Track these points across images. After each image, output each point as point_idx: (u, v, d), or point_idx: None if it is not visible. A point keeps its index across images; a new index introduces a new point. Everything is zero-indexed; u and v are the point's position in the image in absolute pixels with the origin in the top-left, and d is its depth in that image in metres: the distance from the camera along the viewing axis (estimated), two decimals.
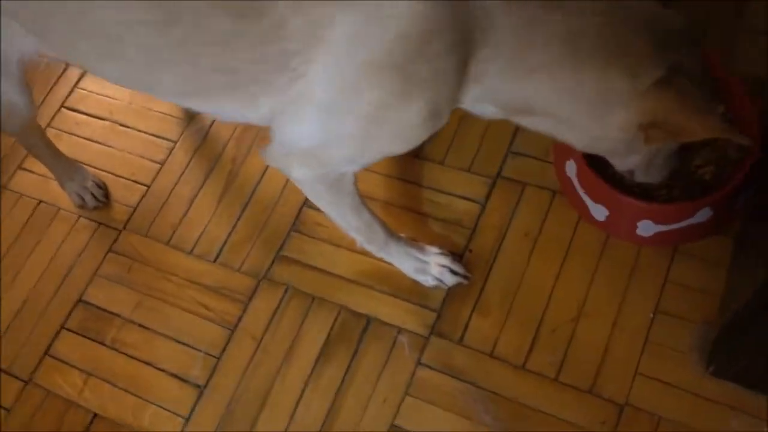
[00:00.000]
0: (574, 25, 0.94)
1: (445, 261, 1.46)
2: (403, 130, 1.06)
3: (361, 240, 1.40)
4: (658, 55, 0.95)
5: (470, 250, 1.51)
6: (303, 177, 1.20)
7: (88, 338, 1.57)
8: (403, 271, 1.47)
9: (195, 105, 1.26)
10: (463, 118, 1.65)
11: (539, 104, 1.05)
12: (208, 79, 1.07)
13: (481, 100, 1.08)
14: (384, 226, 1.40)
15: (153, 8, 0.99)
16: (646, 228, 1.41)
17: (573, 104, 1.03)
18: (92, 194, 1.70)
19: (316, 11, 0.94)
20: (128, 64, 1.10)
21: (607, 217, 1.44)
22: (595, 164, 1.42)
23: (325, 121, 1.06)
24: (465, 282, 1.47)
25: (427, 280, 1.47)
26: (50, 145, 1.66)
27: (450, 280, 1.46)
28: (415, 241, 1.49)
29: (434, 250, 1.47)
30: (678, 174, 1.40)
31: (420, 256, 1.46)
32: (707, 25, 1.64)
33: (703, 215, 1.37)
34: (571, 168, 1.47)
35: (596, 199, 1.44)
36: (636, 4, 0.96)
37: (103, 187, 1.72)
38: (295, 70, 1.00)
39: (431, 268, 1.45)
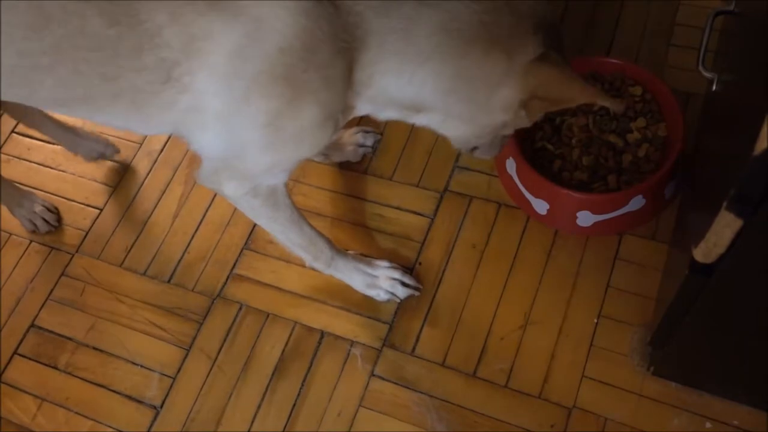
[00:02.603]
0: (455, 16, 0.99)
1: (395, 274, 1.49)
2: (303, 135, 1.09)
3: (307, 258, 1.42)
4: (536, 37, 1.04)
5: (420, 263, 1.55)
6: (234, 193, 1.21)
7: (42, 363, 1.56)
8: (354, 287, 1.50)
9: (85, 114, 1.23)
10: (411, 135, 1.70)
11: (428, 99, 1.09)
12: (92, 86, 1.03)
13: (376, 102, 1.12)
14: (329, 242, 1.43)
15: (28, 10, 0.95)
16: (585, 219, 1.47)
17: (459, 94, 1.08)
18: (43, 219, 1.70)
19: (194, 24, 0.95)
20: (10, 73, 1.03)
21: (548, 210, 1.50)
22: (533, 160, 1.51)
23: (227, 132, 1.07)
24: (416, 294, 1.50)
25: (379, 294, 1.49)
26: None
27: (402, 292, 1.49)
28: (363, 256, 1.52)
29: (383, 263, 1.50)
30: (618, 165, 1.51)
31: (369, 270, 1.48)
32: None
33: (637, 203, 1.44)
34: (511, 166, 1.53)
35: (536, 194, 1.50)
36: None
37: (54, 210, 1.73)
38: (178, 81, 1.00)
39: (381, 281, 1.48)
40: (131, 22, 0.95)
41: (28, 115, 1.70)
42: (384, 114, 1.17)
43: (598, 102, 1.06)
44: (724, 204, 0.77)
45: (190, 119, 1.07)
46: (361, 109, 1.14)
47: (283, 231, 1.35)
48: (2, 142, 1.86)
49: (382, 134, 1.70)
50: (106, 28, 0.95)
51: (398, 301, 1.50)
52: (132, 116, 1.10)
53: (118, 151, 1.78)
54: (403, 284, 1.49)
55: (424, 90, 1.08)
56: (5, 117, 1.89)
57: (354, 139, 1.68)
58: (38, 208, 1.71)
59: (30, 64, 1.01)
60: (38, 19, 0.96)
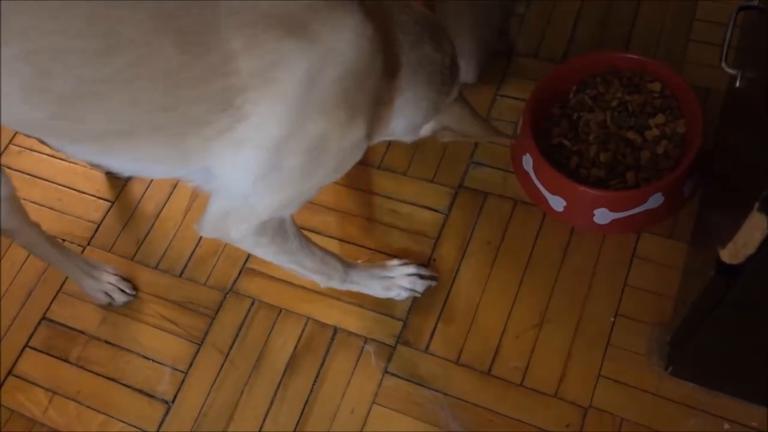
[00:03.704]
0: (418, 58, 1.10)
1: (410, 270, 1.48)
2: (341, 157, 1.08)
3: (321, 280, 1.40)
4: (456, 82, 1.20)
5: (434, 260, 1.53)
6: (242, 234, 1.15)
7: (53, 356, 1.55)
8: (374, 295, 1.48)
9: (112, 151, 1.06)
10: None
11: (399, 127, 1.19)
12: (143, 118, 0.95)
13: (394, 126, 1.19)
14: (338, 258, 1.40)
15: (93, 35, 0.86)
16: (602, 216, 1.45)
17: (417, 116, 1.19)
18: (120, 289, 1.57)
19: (270, 51, 0.92)
20: (52, 101, 0.91)
21: (565, 207, 1.48)
22: (549, 157, 1.49)
23: (266, 164, 1.03)
24: (434, 283, 1.49)
25: (399, 294, 1.48)
26: (55, 243, 1.52)
27: (421, 286, 1.48)
28: (372, 253, 1.50)
29: (395, 262, 1.49)
30: (636, 162, 1.50)
31: (384, 273, 1.47)
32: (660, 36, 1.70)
33: (655, 201, 1.42)
34: (527, 162, 1.51)
35: (553, 191, 1.48)
36: (449, 47, 1.16)
37: (128, 279, 1.60)
38: (239, 110, 0.95)
39: (399, 281, 1.47)
40: (201, 51, 0.89)
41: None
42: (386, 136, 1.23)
43: (495, 139, 1.33)
44: (756, 205, 0.76)
45: (234, 151, 1.01)
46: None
47: (294, 260, 1.31)
48: (9, 141, 1.85)
49: None
50: (176, 56, 0.89)
51: (418, 295, 1.48)
52: (164, 151, 1.02)
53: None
54: (421, 277, 1.48)
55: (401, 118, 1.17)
56: None
57: None
58: (112, 279, 1.57)
59: (86, 92, 0.91)
60: (105, 44, 0.87)
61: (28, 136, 1.65)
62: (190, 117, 0.95)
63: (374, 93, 1.04)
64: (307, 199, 1.17)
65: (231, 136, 0.98)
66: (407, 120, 1.18)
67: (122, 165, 1.11)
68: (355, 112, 1.02)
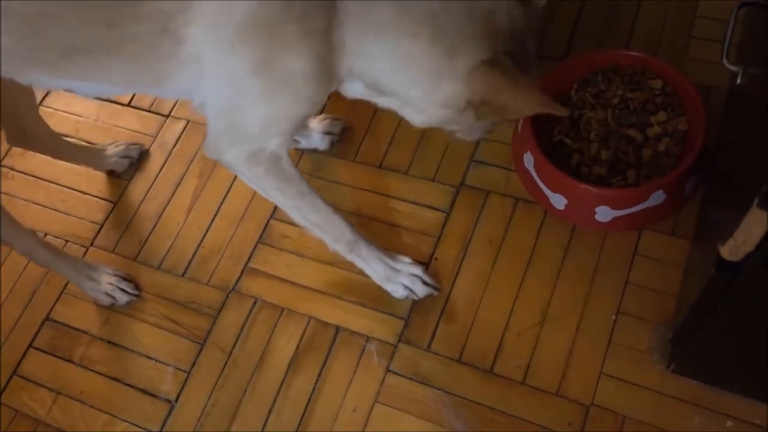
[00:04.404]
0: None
1: (417, 270, 1.47)
2: (291, 86, 1.10)
3: (328, 240, 1.39)
4: (486, 40, 1.04)
5: (436, 258, 1.53)
6: (235, 159, 1.21)
7: (57, 356, 1.56)
8: (373, 278, 1.47)
9: (86, 72, 1.17)
10: (426, 129, 1.68)
11: (384, 78, 1.13)
12: (91, 34, 1.07)
13: (349, 75, 1.14)
14: (350, 225, 1.39)
15: None
16: (603, 214, 1.45)
17: (408, 78, 1.10)
18: (120, 289, 1.58)
19: None
20: (19, 22, 1.06)
21: (566, 205, 1.48)
22: (551, 155, 1.49)
23: (223, 84, 1.11)
24: (435, 293, 1.49)
25: (397, 290, 1.48)
26: (52, 248, 1.56)
27: (421, 290, 1.48)
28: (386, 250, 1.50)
29: (406, 259, 1.49)
30: (638, 160, 1.49)
31: (392, 263, 1.47)
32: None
33: (656, 198, 1.42)
34: (528, 160, 1.51)
35: (554, 189, 1.48)
36: None
37: (129, 278, 1.61)
38: (174, 33, 1.04)
39: (402, 277, 1.47)
40: None
41: (46, 141, 1.64)
42: (355, 90, 1.19)
43: (547, 111, 1.06)
44: (756, 201, 0.75)
45: (191, 70, 1.10)
46: (341, 81, 1.17)
47: (295, 206, 1.32)
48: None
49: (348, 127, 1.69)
50: None
51: (416, 298, 1.48)
52: (132, 70, 1.12)
53: (143, 148, 1.76)
54: (423, 282, 1.48)
55: (379, 66, 1.10)
56: None
57: (321, 126, 1.68)
58: (112, 279, 1.58)
59: (46, 12, 1.04)
60: None
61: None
62: (135, 36, 1.05)
63: (307, 23, 1.04)
64: (286, 130, 1.20)
65: (180, 57, 1.07)
66: (385, 78, 1.11)
67: (105, 84, 1.20)
68: (281, 39, 1.05)
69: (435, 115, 1.17)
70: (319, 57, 1.08)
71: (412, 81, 1.12)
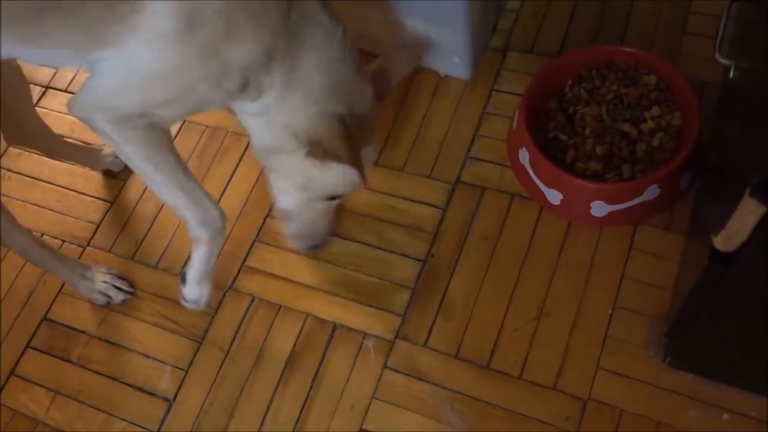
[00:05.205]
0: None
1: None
2: (222, 74, 1.13)
3: (193, 223, 1.30)
4: (344, 99, 1.25)
5: (432, 255, 1.54)
6: (111, 118, 1.15)
7: (54, 356, 1.56)
8: (194, 269, 1.36)
9: (47, 32, 1.11)
10: (422, 126, 1.69)
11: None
12: None
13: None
14: (222, 213, 1.31)
15: None
16: (599, 209, 1.46)
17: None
18: (115, 287, 1.58)
19: None
20: None
21: (562, 201, 1.49)
22: (546, 150, 1.50)
23: (152, 46, 1.09)
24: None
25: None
26: (47, 247, 1.54)
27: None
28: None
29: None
30: (632, 155, 1.50)
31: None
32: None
33: (651, 193, 1.43)
34: (524, 156, 1.52)
35: (550, 184, 1.49)
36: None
37: (123, 276, 1.61)
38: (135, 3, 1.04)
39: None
40: None
41: (44, 140, 1.64)
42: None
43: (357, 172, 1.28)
44: (747, 190, 0.76)
45: (133, 38, 1.08)
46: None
47: (163, 181, 1.25)
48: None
49: None
50: None
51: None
52: (86, 34, 1.09)
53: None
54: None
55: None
56: None
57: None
58: (106, 278, 1.58)
59: None
60: None
61: None
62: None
63: (264, 19, 1.10)
64: (183, 111, 1.23)
65: (129, 23, 1.07)
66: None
67: (45, 53, 1.15)
68: (236, 29, 1.09)
69: (278, 140, 1.29)
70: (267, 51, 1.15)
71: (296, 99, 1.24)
